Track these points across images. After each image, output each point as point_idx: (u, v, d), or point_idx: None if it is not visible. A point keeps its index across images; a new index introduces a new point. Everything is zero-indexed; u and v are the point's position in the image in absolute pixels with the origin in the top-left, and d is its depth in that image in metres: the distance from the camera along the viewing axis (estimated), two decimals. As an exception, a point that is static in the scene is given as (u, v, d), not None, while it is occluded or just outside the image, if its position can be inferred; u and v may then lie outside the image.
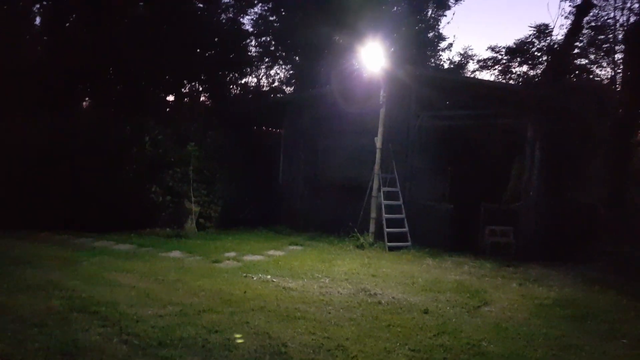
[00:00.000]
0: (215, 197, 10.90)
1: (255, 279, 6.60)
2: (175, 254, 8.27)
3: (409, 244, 9.48)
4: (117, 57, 14.52)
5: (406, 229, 9.65)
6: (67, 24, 15.70)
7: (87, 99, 16.97)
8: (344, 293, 5.99)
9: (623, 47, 17.90)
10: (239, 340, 4.14)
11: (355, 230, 9.97)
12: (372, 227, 9.91)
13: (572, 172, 12.73)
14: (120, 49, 14.14)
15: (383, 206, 9.84)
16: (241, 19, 19.12)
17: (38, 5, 15.68)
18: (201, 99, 18.82)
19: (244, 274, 6.83)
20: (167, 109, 15.46)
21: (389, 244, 9.32)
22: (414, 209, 10.15)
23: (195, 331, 4.37)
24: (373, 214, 9.97)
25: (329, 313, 5.14)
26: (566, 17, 20.80)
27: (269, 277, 6.71)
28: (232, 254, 8.40)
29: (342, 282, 6.57)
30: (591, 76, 20.44)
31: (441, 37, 21.54)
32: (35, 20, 16.02)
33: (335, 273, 7.13)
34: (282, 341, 4.22)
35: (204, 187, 10.68)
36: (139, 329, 4.35)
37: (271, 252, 8.74)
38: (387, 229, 9.50)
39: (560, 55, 19.28)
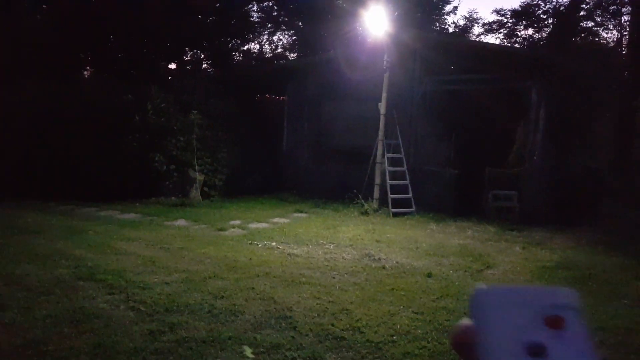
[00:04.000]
0: (219, 166, 10.89)
1: (260, 246, 6.66)
2: (181, 222, 8.33)
3: (413, 209, 9.49)
4: (117, 24, 14.28)
5: (410, 195, 9.65)
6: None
7: (87, 67, 16.84)
8: (348, 258, 6.04)
9: (630, 9, 17.48)
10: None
11: (360, 197, 9.98)
12: (376, 194, 9.92)
13: (577, 136, 12.60)
14: (119, 16, 13.89)
15: (387, 172, 9.81)
16: (242, -17, 18.65)
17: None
18: (203, 66, 18.61)
19: (249, 241, 6.88)
20: (170, 77, 15.31)
21: (393, 210, 9.34)
22: (419, 174, 10.12)
23: (201, 297, 4.43)
24: (377, 181, 9.96)
25: (334, 278, 5.19)
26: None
27: (274, 244, 6.76)
28: (237, 222, 8.45)
29: (347, 248, 6.62)
30: (597, 39, 20.06)
31: (445, 1, 21.04)
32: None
33: (339, 239, 7.17)
34: (287, 305, 4.28)
35: (208, 155, 10.65)
36: (146, 296, 4.41)
37: (276, 220, 8.79)
38: (391, 195, 9.50)
39: (566, 17, 18.85)
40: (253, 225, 8.20)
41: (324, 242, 6.94)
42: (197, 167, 10.21)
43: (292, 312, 4.13)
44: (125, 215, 8.84)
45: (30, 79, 11.63)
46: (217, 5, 17.35)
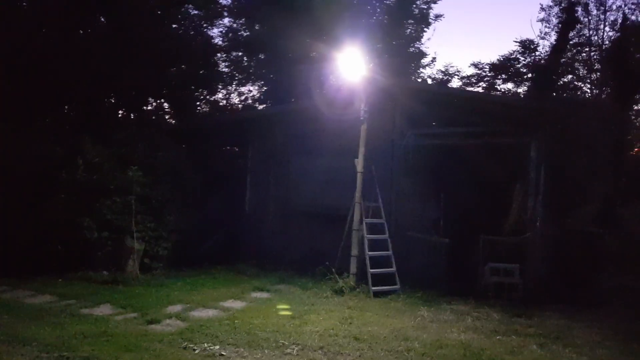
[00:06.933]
0: (165, 232, 9.06)
1: (197, 351, 4.89)
2: (103, 309, 6.49)
3: (397, 287, 7.85)
4: (73, 74, 12.78)
5: (394, 269, 8.03)
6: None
7: (40, 117, 15.13)
8: (316, 377, 4.32)
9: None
10: None
11: (334, 270, 8.29)
12: (353, 267, 8.26)
13: (573, 196, 11.47)
14: (79, 65, 12.42)
15: (366, 241, 8.23)
16: (210, 32, 17.63)
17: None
18: (167, 117, 17.16)
19: (184, 343, 5.11)
20: (114, 127, 13.62)
21: (373, 288, 7.67)
22: (402, 242, 8.61)
23: None
24: (354, 251, 8.34)
25: (293, 422, 3.47)
26: (543, 38, 20.42)
27: (217, 347, 5.00)
28: (178, 307, 6.65)
29: (316, 353, 4.91)
30: (579, 93, 19.74)
31: (422, 54, 20.46)
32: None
33: (306, 336, 5.45)
34: None
35: (150, 219, 8.83)
36: None
37: (228, 304, 7.01)
38: (371, 270, 7.87)
39: (546, 71, 18.42)
40: (196, 314, 6.42)
41: (286, 343, 5.21)
42: (135, 234, 8.41)
43: None
44: (37, 299, 7.01)
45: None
46: (183, 54, 16.14)
